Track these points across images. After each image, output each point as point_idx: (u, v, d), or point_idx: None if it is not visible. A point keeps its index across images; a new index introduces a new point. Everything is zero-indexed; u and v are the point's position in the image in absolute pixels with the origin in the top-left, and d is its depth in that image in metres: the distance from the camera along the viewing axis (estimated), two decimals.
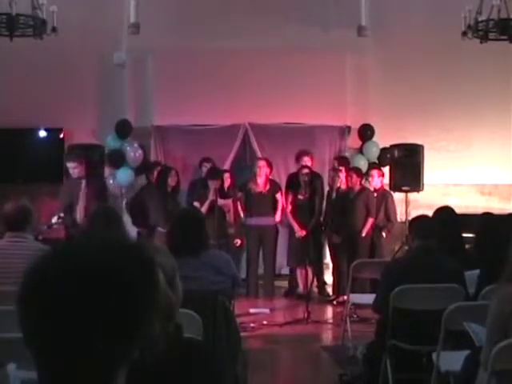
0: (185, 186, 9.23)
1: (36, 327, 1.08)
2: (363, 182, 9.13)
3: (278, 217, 9.15)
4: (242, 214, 9.16)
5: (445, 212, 5.56)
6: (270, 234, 9.14)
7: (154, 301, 1.12)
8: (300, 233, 8.85)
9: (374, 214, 8.84)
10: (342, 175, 8.94)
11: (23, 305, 1.09)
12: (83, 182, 8.13)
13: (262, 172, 9.08)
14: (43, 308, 1.07)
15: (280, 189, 9.24)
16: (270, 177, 9.42)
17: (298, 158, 9.22)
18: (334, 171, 9.03)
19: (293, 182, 9.02)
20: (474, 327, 3.70)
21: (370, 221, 8.80)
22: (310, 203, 8.83)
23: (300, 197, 8.82)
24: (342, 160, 9.30)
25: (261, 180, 9.09)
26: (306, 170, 8.77)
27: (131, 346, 1.10)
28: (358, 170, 9.09)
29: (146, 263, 1.13)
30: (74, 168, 8.09)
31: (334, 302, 8.68)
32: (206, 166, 9.12)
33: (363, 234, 8.72)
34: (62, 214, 7.87)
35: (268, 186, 9.14)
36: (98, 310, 1.05)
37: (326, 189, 9.17)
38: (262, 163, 9.13)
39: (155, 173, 9.02)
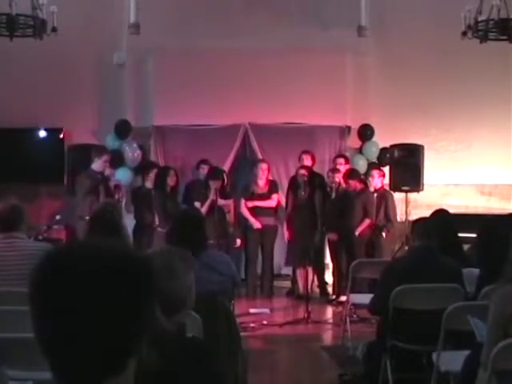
0: (184, 187, 9.23)
1: (48, 325, 1.14)
2: (366, 181, 9.13)
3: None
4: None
5: (441, 214, 5.62)
6: (270, 234, 9.17)
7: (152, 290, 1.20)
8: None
9: (373, 215, 8.84)
10: (340, 175, 8.96)
11: (34, 303, 1.15)
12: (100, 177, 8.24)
13: (264, 174, 9.12)
14: (54, 303, 1.13)
15: (277, 189, 9.27)
16: (270, 177, 9.43)
17: (300, 158, 9.24)
18: (330, 172, 9.08)
19: (293, 184, 9.03)
20: (478, 322, 3.69)
21: (367, 222, 8.79)
22: (309, 202, 8.81)
23: (299, 197, 8.81)
24: (344, 157, 9.39)
25: (262, 182, 9.14)
26: (302, 171, 8.77)
27: (137, 334, 1.17)
28: (352, 174, 9.00)
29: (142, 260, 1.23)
30: (107, 161, 8.32)
31: (334, 302, 8.68)
32: (204, 168, 9.12)
33: (357, 233, 8.71)
34: (58, 217, 7.86)
35: (267, 187, 9.16)
36: (107, 299, 1.13)
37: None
38: (264, 166, 9.16)
39: (151, 174, 8.97)
